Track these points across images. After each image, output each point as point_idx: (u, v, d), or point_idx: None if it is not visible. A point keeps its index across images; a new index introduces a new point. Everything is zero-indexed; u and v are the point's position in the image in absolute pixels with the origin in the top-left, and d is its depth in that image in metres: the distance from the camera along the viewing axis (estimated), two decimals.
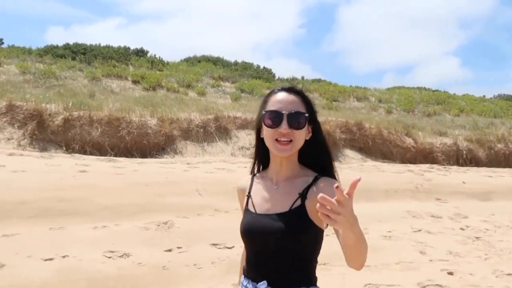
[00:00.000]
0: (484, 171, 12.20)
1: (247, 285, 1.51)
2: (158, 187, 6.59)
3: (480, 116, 19.24)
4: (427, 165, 12.19)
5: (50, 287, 3.40)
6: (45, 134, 9.04)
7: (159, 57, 21.63)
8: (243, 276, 1.58)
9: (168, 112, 10.77)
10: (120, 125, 9.58)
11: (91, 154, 9.01)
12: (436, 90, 28.46)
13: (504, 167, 13.60)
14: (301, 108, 1.51)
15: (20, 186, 5.67)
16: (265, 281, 1.45)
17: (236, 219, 5.33)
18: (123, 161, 8.47)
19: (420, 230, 6.60)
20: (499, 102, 25.31)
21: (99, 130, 9.37)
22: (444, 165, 12.77)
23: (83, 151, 9.04)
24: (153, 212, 5.75)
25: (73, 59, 18.46)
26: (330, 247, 5.21)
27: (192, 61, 22.84)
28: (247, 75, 21.23)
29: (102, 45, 21.33)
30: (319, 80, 24.15)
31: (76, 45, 20.22)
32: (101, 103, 10.30)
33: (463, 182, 9.94)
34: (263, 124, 1.52)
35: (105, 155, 9.06)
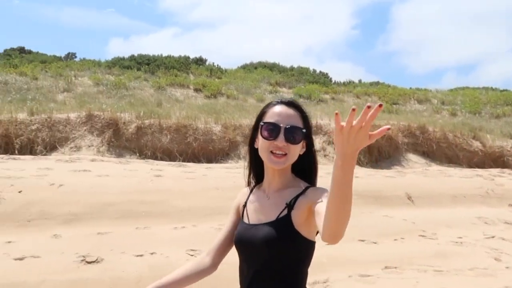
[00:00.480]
0: None
1: None
2: (228, 191, 6.91)
3: None
4: (497, 170, 11.73)
5: (146, 281, 3.74)
6: (121, 141, 9.68)
7: (217, 65, 22.30)
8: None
9: (231, 119, 11.14)
10: (187, 132, 10.06)
11: (161, 159, 9.53)
12: (504, 90, 27.07)
13: None
14: (299, 123, 1.51)
15: (105, 190, 6.18)
16: None
17: None
18: (192, 166, 8.90)
19: (493, 237, 6.44)
20: None
21: (168, 137, 9.89)
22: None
23: (154, 157, 9.59)
24: (226, 214, 6.04)
25: (138, 69, 19.46)
26: (400, 250, 5.28)
27: (249, 68, 23.31)
28: (304, 80, 21.36)
29: (164, 55, 22.32)
30: (377, 83, 23.80)
31: (141, 56, 21.30)
32: (169, 111, 10.85)
33: None
34: (259, 135, 1.53)
35: (175, 161, 9.56)
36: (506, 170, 11.80)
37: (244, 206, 1.64)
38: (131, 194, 6.19)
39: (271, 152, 1.48)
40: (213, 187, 7.02)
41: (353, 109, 1.06)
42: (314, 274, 4.50)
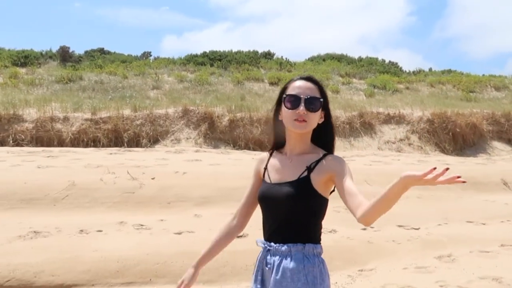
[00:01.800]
0: None
1: (262, 243, 1.77)
2: None
3: None
4: None
5: None
6: (216, 133, 10.41)
7: (286, 58, 22.71)
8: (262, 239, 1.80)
9: None
10: None
11: (253, 150, 10.15)
12: None
13: None
14: (317, 94, 1.71)
15: (224, 176, 6.85)
16: (262, 240, 1.76)
17: (409, 205, 5.93)
18: None
19: None
20: None
21: (259, 128, 10.48)
22: None
23: (247, 147, 10.22)
24: (336, 198, 6.51)
25: (211, 65, 20.29)
26: (510, 230, 5.45)
27: (317, 60, 23.53)
28: (374, 70, 21.29)
29: (233, 50, 23.05)
30: (449, 71, 23.20)
31: (212, 52, 22.15)
32: (256, 105, 11.44)
33: None
34: (283, 106, 1.73)
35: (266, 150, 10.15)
36: None
37: (265, 168, 1.82)
38: (244, 180, 6.80)
39: (295, 120, 1.68)
40: None
41: (446, 169, 1.30)
42: (437, 250, 4.88)
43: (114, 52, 24.88)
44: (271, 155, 1.87)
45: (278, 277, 1.66)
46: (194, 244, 4.50)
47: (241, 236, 4.40)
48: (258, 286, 1.75)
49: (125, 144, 9.81)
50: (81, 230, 4.76)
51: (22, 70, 16.35)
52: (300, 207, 1.67)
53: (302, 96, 1.68)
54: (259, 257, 1.77)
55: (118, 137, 10.05)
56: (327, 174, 1.68)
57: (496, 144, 12.15)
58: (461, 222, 5.94)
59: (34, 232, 4.64)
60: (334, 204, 5.90)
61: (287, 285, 1.64)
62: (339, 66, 21.28)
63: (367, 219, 1.51)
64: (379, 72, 20.71)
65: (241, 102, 12.01)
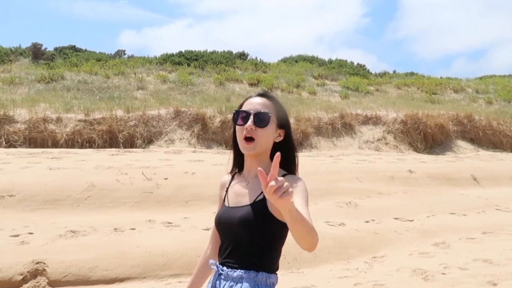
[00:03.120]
0: None
1: (215, 267, 1.71)
2: (326, 175, 8.04)
3: None
4: None
5: None
6: (208, 134, 10.86)
7: (261, 60, 23.30)
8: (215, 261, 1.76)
9: (295, 112, 12.21)
10: None
11: None
12: None
13: None
14: (268, 110, 1.64)
15: (208, 179, 7.34)
16: (215, 261, 1.71)
17: (399, 200, 6.79)
18: None
19: None
20: None
21: None
22: None
23: None
24: (334, 194, 7.18)
25: (188, 65, 20.58)
26: (486, 220, 6.27)
27: (289, 61, 24.26)
28: (344, 72, 22.22)
29: (208, 51, 23.40)
30: (412, 74, 24.53)
31: (188, 52, 22.40)
32: None
33: None
34: (235, 124, 1.67)
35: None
36: None
37: (226, 191, 1.77)
38: None
39: (244, 139, 1.63)
40: (312, 172, 8.13)
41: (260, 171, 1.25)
42: (432, 238, 5.62)
43: (86, 50, 24.65)
44: (232, 177, 1.82)
45: None
46: None
47: None
48: None
49: (121, 145, 10.09)
50: (115, 229, 5.16)
51: None
52: (254, 232, 1.60)
53: (252, 111, 1.64)
54: (211, 280, 1.72)
55: (113, 138, 10.31)
56: None
57: (461, 143, 13.24)
58: (445, 214, 6.74)
59: (71, 231, 5.00)
60: (336, 200, 6.60)
61: None
62: (311, 68, 22.07)
63: (301, 246, 1.43)
64: (349, 74, 21.67)
65: (229, 104, 12.48)
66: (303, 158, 9.77)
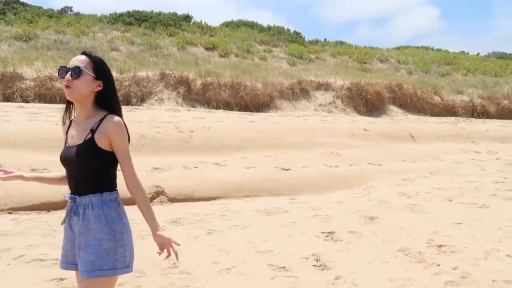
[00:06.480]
0: (496, 122, 15.95)
1: (68, 197, 2.13)
2: (304, 131, 10.08)
3: (485, 76, 22.88)
4: (454, 118, 15.90)
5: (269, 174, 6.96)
6: (192, 95, 12.33)
7: (205, 23, 24.37)
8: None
9: (261, 77, 14.01)
10: (239, 88, 12.90)
11: (223, 109, 12.35)
12: (439, 50, 31.82)
13: (509, 119, 17.35)
14: (84, 65, 2.05)
15: (237, 130, 9.08)
16: (69, 193, 2.12)
17: (365, 151, 9.38)
18: (256, 115, 11.87)
19: (472, 159, 10.28)
20: (497, 61, 28.93)
21: (226, 92, 12.68)
22: (465, 118, 16.49)
23: (217, 108, 12.37)
24: (317, 146, 9.26)
25: (139, 26, 21.13)
26: (425, 166, 8.84)
27: (232, 26, 25.59)
28: (283, 39, 24.18)
29: (155, 11, 23.89)
30: (341, 43, 27.20)
31: (137, 12, 22.76)
32: (220, 71, 13.49)
33: (487, 130, 13.69)
34: (60, 77, 2.10)
35: (233, 110, 12.43)
36: (460, 118, 16.03)
37: (66, 134, 2.18)
38: (257, 132, 9.15)
39: (65, 87, 2.04)
40: (302, 129, 10.11)
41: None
42: (399, 176, 7.96)
43: (29, 4, 23.85)
44: (70, 123, 2.19)
45: (84, 222, 2.04)
46: (266, 173, 6.92)
47: None
48: (69, 231, 2.12)
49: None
50: (184, 167, 6.77)
51: None
52: (90, 164, 2.04)
53: (69, 66, 2.05)
54: (68, 208, 2.13)
55: None
56: (106, 137, 2.05)
57: (392, 107, 16.06)
58: (399, 161, 9.18)
59: (155, 168, 6.53)
60: (320, 150, 8.76)
61: (91, 227, 2.03)
62: (254, 34, 23.69)
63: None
64: (288, 41, 23.70)
65: (204, 67, 13.89)
66: (280, 118, 11.72)
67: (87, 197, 2.05)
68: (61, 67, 2.09)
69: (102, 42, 15.64)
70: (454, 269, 3.85)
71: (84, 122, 2.09)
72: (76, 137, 2.08)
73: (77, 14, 23.01)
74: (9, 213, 5.25)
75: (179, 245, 2.09)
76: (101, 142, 2.04)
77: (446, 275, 3.72)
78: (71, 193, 2.11)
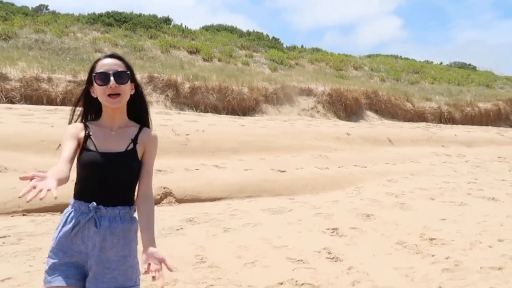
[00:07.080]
0: (462, 128, 16.99)
1: (79, 206, 1.93)
2: (293, 135, 10.59)
3: (450, 84, 24.14)
4: (425, 123, 16.82)
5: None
6: (180, 98, 12.64)
7: (186, 26, 24.62)
8: (73, 198, 1.97)
9: (247, 82, 14.47)
10: (226, 92, 13.31)
11: (210, 112, 12.72)
12: (407, 58, 33.17)
13: (471, 125, 18.48)
14: (123, 69, 1.97)
15: (230, 133, 9.49)
16: (94, 202, 1.90)
17: (350, 154, 9.99)
18: (245, 118, 12.30)
19: (445, 162, 11.07)
20: (459, 71, 30.48)
21: (214, 96, 13.06)
22: (434, 123, 17.46)
23: (205, 111, 12.75)
24: (306, 149, 9.78)
25: (119, 27, 21.18)
26: (405, 167, 9.53)
27: (212, 30, 25.92)
28: (262, 44, 24.71)
29: (134, 13, 23.95)
30: (318, 50, 28.00)
31: (117, 13, 22.76)
32: (207, 75, 13.86)
33: (455, 135, 14.62)
34: (95, 84, 1.95)
35: (220, 114, 12.83)
36: (430, 124, 16.97)
37: (88, 136, 1.99)
38: (249, 136, 9.58)
39: (108, 95, 1.94)
40: (291, 132, 10.62)
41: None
42: (384, 177, 8.58)
43: (2, 1, 23.40)
44: (86, 125, 2.02)
45: (108, 235, 1.91)
46: (264, 174, 7.37)
47: None
48: (79, 243, 1.90)
49: None
50: (186, 169, 7.13)
51: None
52: (128, 175, 1.98)
53: (110, 71, 1.93)
54: (81, 218, 1.91)
55: None
56: (143, 147, 2.03)
57: (369, 113, 16.84)
58: (382, 164, 9.83)
59: (159, 170, 6.86)
60: (309, 153, 9.34)
61: (116, 242, 1.92)
62: (234, 39, 24.13)
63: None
64: (268, 47, 24.25)
65: (190, 71, 14.21)
66: (267, 122, 12.19)
67: (116, 209, 1.94)
68: (99, 72, 1.94)
69: (85, 43, 15.71)
70: (447, 258, 4.42)
71: (119, 130, 2.02)
72: (111, 144, 1.98)
73: (54, 13, 22.79)
74: (23, 215, 5.46)
75: (172, 271, 2.00)
76: (140, 153, 2.02)
77: (441, 263, 4.28)
78: (83, 201, 1.93)
